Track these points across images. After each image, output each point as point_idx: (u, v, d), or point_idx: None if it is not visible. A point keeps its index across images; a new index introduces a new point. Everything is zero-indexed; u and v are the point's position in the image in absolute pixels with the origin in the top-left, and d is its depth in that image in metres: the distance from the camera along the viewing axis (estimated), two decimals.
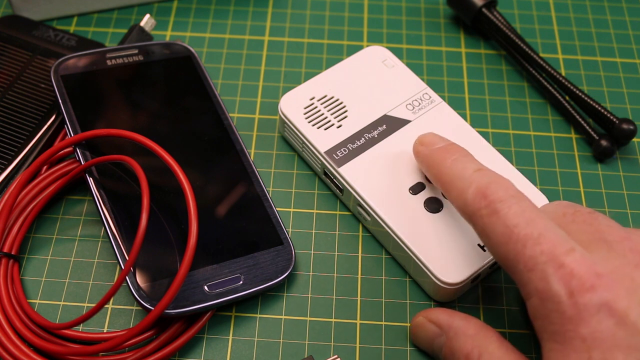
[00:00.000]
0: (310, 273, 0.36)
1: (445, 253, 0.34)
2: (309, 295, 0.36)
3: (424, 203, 0.36)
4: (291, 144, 0.41)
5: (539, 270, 0.27)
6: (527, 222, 0.28)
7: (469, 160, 0.32)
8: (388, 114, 0.39)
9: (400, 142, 0.38)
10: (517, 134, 0.42)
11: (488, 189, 0.29)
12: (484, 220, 0.29)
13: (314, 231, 0.38)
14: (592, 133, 0.41)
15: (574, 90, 0.42)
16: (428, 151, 0.35)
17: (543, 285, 0.26)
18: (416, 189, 0.37)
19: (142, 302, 0.32)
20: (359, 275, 0.36)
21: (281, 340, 0.34)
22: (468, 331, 0.30)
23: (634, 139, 0.42)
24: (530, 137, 0.42)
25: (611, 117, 0.41)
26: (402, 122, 0.39)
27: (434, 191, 0.36)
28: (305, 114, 0.39)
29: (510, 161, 0.41)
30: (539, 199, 0.36)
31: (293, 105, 0.40)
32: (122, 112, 0.39)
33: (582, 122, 0.42)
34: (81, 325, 0.34)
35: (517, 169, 0.40)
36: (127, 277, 0.33)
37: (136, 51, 0.41)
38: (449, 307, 0.36)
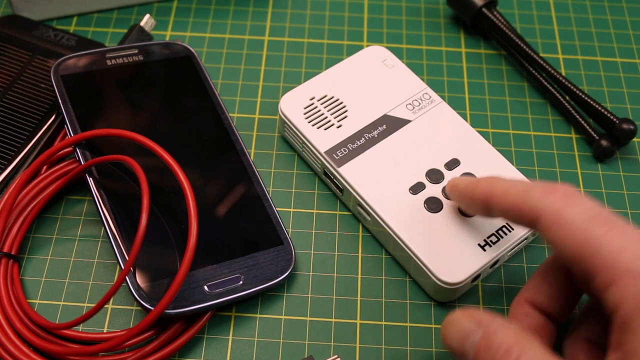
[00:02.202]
0: (310, 273, 0.36)
1: (445, 253, 0.34)
2: (309, 295, 0.36)
3: (424, 203, 0.36)
4: (291, 144, 0.41)
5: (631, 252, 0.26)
6: (608, 211, 0.27)
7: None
8: (388, 113, 0.39)
9: (400, 142, 0.38)
10: (517, 134, 0.42)
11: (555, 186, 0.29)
12: (558, 205, 0.28)
13: (314, 231, 0.38)
14: (592, 133, 0.41)
15: (574, 90, 0.42)
16: (469, 180, 0.34)
17: None
18: (416, 189, 0.37)
19: (142, 302, 0.32)
20: (359, 275, 0.36)
21: (281, 340, 0.34)
22: (511, 328, 0.28)
23: (634, 139, 0.42)
24: (530, 137, 0.42)
25: (611, 117, 0.41)
26: (402, 122, 0.39)
27: (434, 191, 0.36)
28: (305, 114, 0.39)
29: (510, 161, 0.41)
30: None
31: (293, 105, 0.40)
32: (122, 112, 0.39)
33: (582, 122, 0.42)
34: (81, 325, 0.34)
35: (517, 169, 0.40)
36: (127, 277, 0.33)
37: (136, 51, 0.41)
38: (449, 307, 0.36)
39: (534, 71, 0.43)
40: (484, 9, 0.45)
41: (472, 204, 0.33)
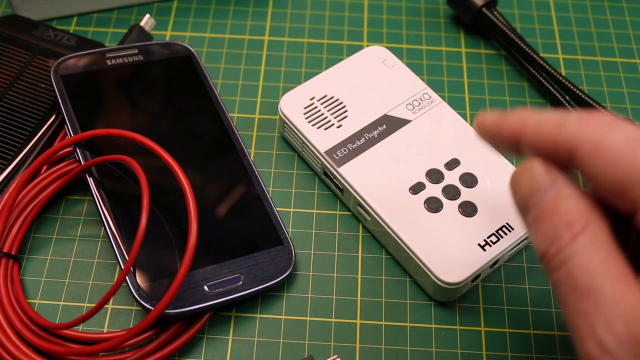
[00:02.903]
0: (310, 273, 0.36)
1: (445, 253, 0.34)
2: (309, 295, 0.36)
3: (424, 203, 0.36)
4: (291, 144, 0.41)
5: None
6: None
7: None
8: (388, 113, 0.39)
9: (400, 142, 0.38)
10: None
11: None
12: (597, 133, 0.25)
13: (314, 231, 0.38)
14: None
15: (574, 90, 0.42)
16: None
17: None
18: (416, 189, 0.37)
19: (142, 302, 0.32)
20: (359, 275, 0.36)
21: (281, 340, 0.34)
22: (585, 201, 0.25)
23: None
24: None
25: None
26: (402, 122, 0.39)
27: (434, 191, 0.36)
28: (305, 114, 0.39)
29: (511, 161, 0.41)
30: None
31: (293, 105, 0.40)
32: (122, 112, 0.39)
33: None
34: (81, 325, 0.34)
35: None
36: (127, 277, 0.33)
37: (136, 51, 0.41)
38: (449, 307, 0.36)
39: (534, 71, 0.43)
40: (484, 9, 0.45)
41: (501, 143, 0.29)
